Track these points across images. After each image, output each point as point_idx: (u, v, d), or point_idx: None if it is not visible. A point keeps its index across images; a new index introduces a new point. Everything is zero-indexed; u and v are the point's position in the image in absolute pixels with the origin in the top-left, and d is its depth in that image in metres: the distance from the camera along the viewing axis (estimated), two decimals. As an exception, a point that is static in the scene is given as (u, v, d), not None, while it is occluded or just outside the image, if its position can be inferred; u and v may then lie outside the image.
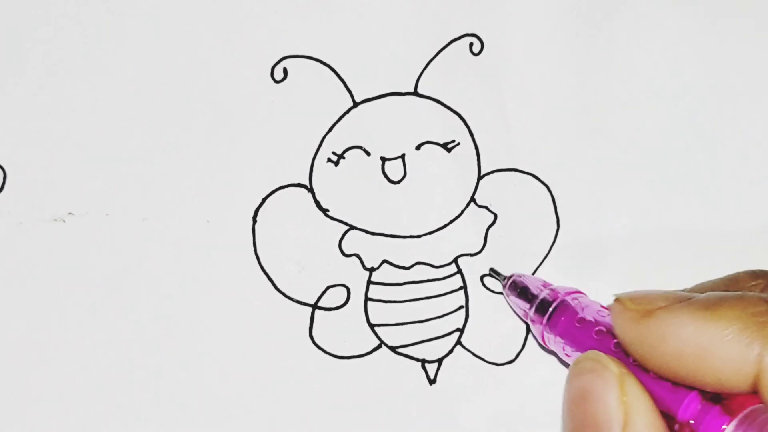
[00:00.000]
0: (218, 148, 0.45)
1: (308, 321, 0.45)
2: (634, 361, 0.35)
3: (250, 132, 0.45)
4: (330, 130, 0.45)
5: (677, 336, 0.32)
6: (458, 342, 0.45)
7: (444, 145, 0.46)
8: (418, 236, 0.45)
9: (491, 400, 0.45)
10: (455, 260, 0.45)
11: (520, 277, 0.43)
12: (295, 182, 0.45)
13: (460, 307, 0.45)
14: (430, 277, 0.45)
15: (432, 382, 0.45)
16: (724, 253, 0.46)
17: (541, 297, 0.42)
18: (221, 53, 0.45)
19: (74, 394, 0.43)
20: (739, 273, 0.38)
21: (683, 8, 0.47)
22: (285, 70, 0.45)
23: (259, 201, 0.45)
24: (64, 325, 0.44)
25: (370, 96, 0.46)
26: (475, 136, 0.46)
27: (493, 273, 0.45)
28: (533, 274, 0.45)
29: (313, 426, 0.44)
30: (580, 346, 0.39)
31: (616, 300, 0.35)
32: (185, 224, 0.45)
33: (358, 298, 0.45)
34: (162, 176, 0.45)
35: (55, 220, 0.44)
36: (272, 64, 0.45)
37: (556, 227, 0.46)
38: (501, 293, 0.45)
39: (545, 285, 0.42)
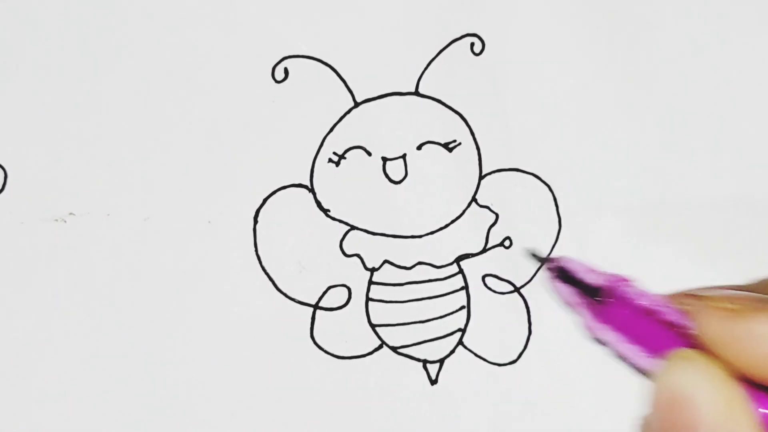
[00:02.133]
0: (219, 148, 0.45)
1: (309, 321, 0.45)
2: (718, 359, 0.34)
3: (251, 132, 0.45)
4: (331, 130, 0.45)
5: None
6: (460, 342, 0.45)
7: (445, 145, 0.46)
8: (420, 236, 0.45)
9: (493, 401, 0.45)
10: (457, 260, 0.45)
11: (567, 261, 0.41)
12: (296, 182, 0.45)
13: (462, 308, 0.45)
14: (432, 277, 0.45)
15: (433, 382, 0.45)
16: (725, 250, 0.46)
17: (591, 283, 0.39)
18: (222, 53, 0.45)
19: (75, 393, 0.43)
20: None
21: (683, 7, 0.47)
22: (286, 70, 0.45)
23: (260, 201, 0.45)
24: (65, 326, 0.44)
25: (371, 96, 0.46)
26: (476, 135, 0.46)
27: (535, 256, 0.43)
28: (535, 274, 0.45)
29: (314, 426, 0.44)
30: (637, 336, 0.37)
31: (702, 297, 0.34)
32: (186, 224, 0.45)
33: (359, 298, 0.45)
34: (163, 176, 0.45)
35: (56, 220, 0.44)
36: (273, 64, 0.45)
37: (557, 227, 0.46)
38: (502, 293, 0.45)
39: (593, 270, 0.40)
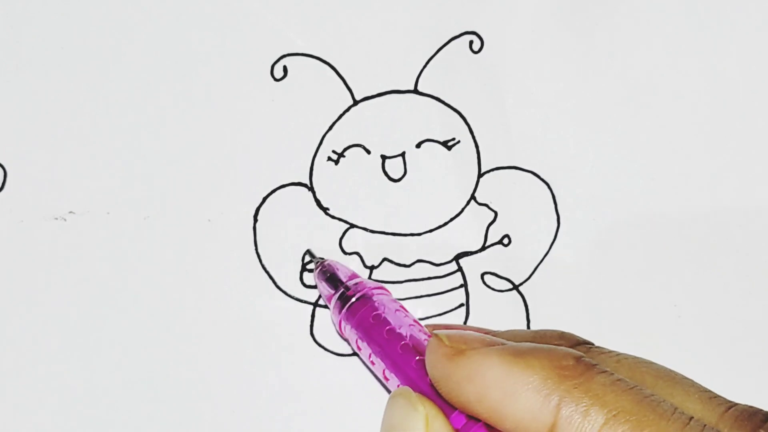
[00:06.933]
0: (219, 146, 0.45)
1: (309, 319, 0.45)
2: (443, 396, 0.35)
3: (250, 130, 0.45)
4: (330, 128, 0.46)
5: (483, 377, 0.33)
6: (459, 340, 0.45)
7: (444, 143, 0.46)
8: (419, 234, 0.45)
9: (491, 398, 0.45)
10: (456, 258, 0.45)
11: (333, 263, 0.43)
12: (296, 181, 0.45)
13: (461, 305, 0.45)
14: (431, 275, 0.45)
15: (432, 379, 0.45)
16: (724, 249, 0.46)
17: (346, 285, 0.42)
18: (221, 52, 0.45)
19: (75, 392, 0.43)
20: (547, 330, 0.38)
21: (682, 6, 0.47)
22: (285, 69, 0.45)
23: (260, 200, 0.45)
24: (65, 324, 0.44)
25: (370, 94, 0.46)
26: (475, 133, 0.46)
27: (309, 254, 0.45)
28: (533, 272, 0.46)
29: (314, 423, 0.44)
30: (371, 341, 0.40)
31: (434, 335, 0.35)
32: (186, 223, 0.45)
33: (358, 296, 0.45)
34: (163, 175, 0.45)
35: (56, 218, 0.44)
36: (272, 62, 0.45)
37: (556, 225, 0.46)
38: (501, 291, 0.45)
39: (353, 276, 0.42)
